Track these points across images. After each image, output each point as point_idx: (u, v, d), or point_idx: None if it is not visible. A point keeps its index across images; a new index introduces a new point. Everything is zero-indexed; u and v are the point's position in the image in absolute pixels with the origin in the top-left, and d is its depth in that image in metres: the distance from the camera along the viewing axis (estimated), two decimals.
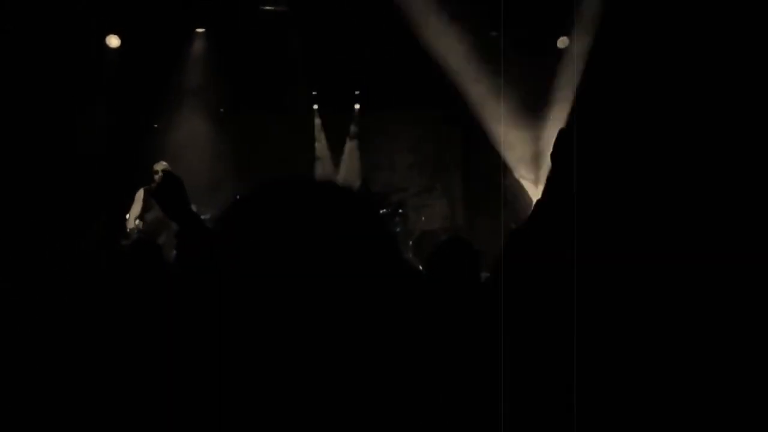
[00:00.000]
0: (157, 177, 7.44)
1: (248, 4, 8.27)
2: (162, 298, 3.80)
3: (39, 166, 7.85)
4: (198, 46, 8.79)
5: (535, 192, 8.50)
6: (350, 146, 9.57)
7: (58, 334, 3.60)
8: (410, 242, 8.49)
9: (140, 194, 7.54)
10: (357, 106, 9.59)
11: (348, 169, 9.51)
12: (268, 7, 8.32)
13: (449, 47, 8.77)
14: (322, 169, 9.43)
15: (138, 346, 3.60)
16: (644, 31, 7.68)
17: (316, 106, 9.59)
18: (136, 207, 7.51)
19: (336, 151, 9.48)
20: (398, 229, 8.48)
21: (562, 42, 8.64)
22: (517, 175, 8.81)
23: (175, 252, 4.17)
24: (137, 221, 7.49)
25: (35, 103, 7.82)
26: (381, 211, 8.62)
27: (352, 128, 9.61)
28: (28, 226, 7.21)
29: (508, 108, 8.81)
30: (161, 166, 7.52)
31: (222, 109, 9.09)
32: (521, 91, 8.78)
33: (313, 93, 9.38)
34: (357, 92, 9.35)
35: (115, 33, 8.27)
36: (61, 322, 3.67)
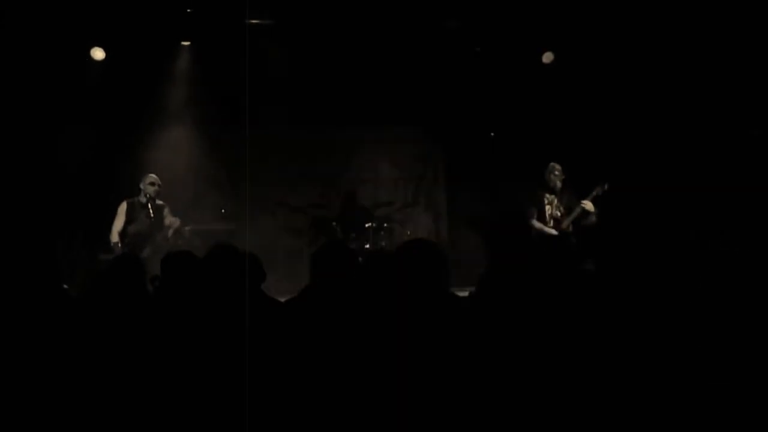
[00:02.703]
0: (149, 190, 7.41)
1: (234, 17, 8.26)
2: (143, 313, 3.77)
3: (21, 177, 7.81)
4: (183, 59, 8.77)
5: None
6: (335, 160, 9.56)
7: (37, 348, 3.57)
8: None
9: (123, 207, 7.49)
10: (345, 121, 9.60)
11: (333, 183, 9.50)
12: (253, 21, 8.32)
13: (433, 63, 8.85)
14: (305, 184, 9.42)
15: (120, 358, 3.57)
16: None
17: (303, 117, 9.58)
18: (120, 220, 7.46)
19: (318, 165, 9.46)
20: (383, 243, 8.47)
21: (547, 57, 8.69)
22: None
23: (160, 269, 4.14)
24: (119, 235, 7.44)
25: (18, 115, 7.79)
26: (366, 225, 8.62)
27: (335, 142, 9.59)
28: (8, 238, 7.16)
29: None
30: (152, 178, 7.49)
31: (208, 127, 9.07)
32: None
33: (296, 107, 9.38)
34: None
35: (99, 45, 8.25)
36: (41, 335, 3.63)
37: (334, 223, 8.75)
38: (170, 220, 7.46)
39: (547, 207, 7.46)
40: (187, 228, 7.64)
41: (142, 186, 7.47)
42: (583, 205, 7.25)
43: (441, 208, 9.75)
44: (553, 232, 7.30)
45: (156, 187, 7.44)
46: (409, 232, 9.02)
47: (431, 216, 9.70)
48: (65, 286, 4.27)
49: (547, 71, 8.68)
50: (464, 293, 3.72)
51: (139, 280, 4.06)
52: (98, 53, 8.25)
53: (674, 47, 7.38)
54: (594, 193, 7.25)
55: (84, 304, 3.99)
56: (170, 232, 7.40)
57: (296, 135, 9.31)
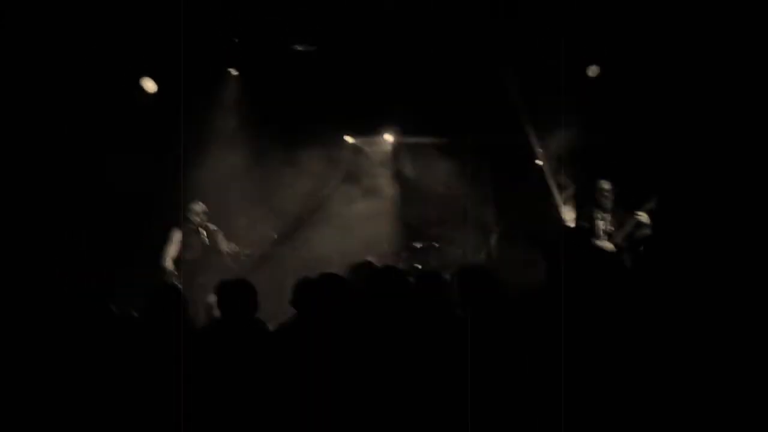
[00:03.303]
0: (195, 218, 7.52)
1: (279, 44, 8.40)
2: (184, 344, 3.83)
3: (76, 207, 7.97)
4: (232, 87, 8.93)
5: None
6: (384, 180, 9.60)
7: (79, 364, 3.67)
8: (447, 275, 8.44)
9: (177, 234, 7.61)
10: (389, 140, 9.66)
11: (383, 203, 9.53)
12: (298, 47, 8.45)
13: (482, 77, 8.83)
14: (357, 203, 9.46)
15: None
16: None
17: (351, 140, 9.68)
18: (173, 247, 7.57)
19: (370, 185, 9.50)
20: (433, 263, 8.46)
21: (593, 71, 8.62)
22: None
23: (215, 296, 4.21)
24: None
25: (73, 146, 7.97)
26: (416, 246, 8.63)
27: (386, 162, 9.65)
28: (65, 265, 7.31)
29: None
30: (199, 206, 7.60)
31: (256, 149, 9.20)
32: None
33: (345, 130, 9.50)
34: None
35: (149, 76, 8.42)
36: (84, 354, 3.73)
37: (385, 245, 8.77)
38: (226, 246, 7.56)
39: (600, 223, 7.38)
40: (245, 253, 7.73)
41: (189, 214, 7.59)
42: (638, 217, 7.17)
43: (490, 226, 9.69)
44: (611, 246, 7.22)
45: (201, 215, 7.53)
46: (460, 251, 8.99)
47: (480, 234, 9.64)
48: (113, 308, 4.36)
49: (593, 85, 8.61)
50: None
51: (177, 312, 4.12)
52: (149, 84, 8.42)
53: (725, 54, 7.27)
54: (648, 205, 7.17)
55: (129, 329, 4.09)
56: (227, 257, 7.49)
57: (343, 156, 9.39)
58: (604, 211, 7.41)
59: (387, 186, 9.56)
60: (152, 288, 4.30)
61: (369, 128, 9.46)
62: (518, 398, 3.26)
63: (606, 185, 7.42)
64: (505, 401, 3.26)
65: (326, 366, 3.51)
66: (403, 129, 9.47)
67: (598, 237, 7.35)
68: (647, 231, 7.17)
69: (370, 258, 6.09)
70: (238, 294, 4.12)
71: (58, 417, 3.56)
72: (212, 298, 4.32)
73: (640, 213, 7.18)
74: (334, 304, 3.82)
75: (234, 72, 8.92)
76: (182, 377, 3.54)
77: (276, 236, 8.74)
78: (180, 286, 6.77)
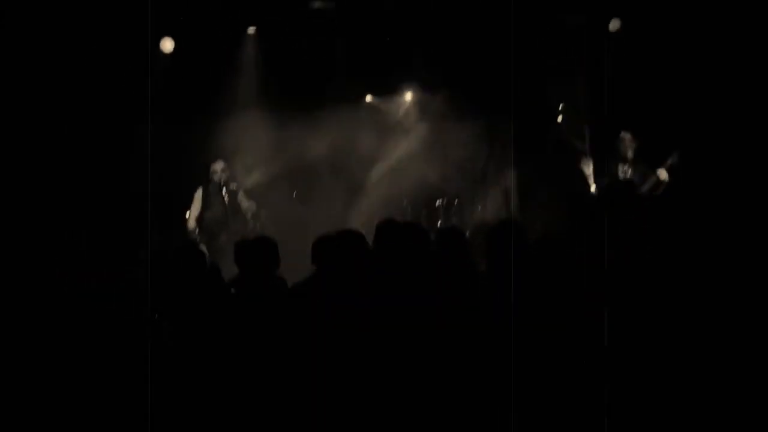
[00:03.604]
0: (216, 176, 7.56)
1: (297, 2, 8.35)
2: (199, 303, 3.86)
3: (95, 169, 8.01)
4: (250, 46, 8.89)
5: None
6: (403, 140, 9.56)
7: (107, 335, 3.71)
8: (467, 233, 8.46)
9: (199, 194, 7.66)
10: (408, 98, 9.60)
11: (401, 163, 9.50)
12: (317, 4, 8.38)
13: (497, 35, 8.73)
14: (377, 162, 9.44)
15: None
16: None
17: (368, 98, 9.63)
18: (196, 206, 7.63)
19: (389, 145, 9.48)
20: (454, 220, 8.47)
21: (614, 24, 8.49)
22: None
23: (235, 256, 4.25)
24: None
25: (90, 106, 7.99)
26: (437, 202, 8.63)
27: (404, 121, 9.61)
28: (87, 228, 7.39)
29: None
30: (219, 165, 7.63)
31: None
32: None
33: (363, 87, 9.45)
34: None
35: (168, 36, 8.38)
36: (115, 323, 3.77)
37: (404, 202, 8.78)
38: (246, 204, 7.60)
39: (621, 177, 7.34)
40: (263, 211, 7.77)
41: (211, 173, 7.62)
42: (658, 174, 7.13)
43: (510, 184, 9.65)
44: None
45: (220, 174, 7.57)
46: (479, 208, 8.98)
47: (500, 192, 9.60)
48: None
49: (615, 39, 8.49)
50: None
51: (199, 271, 4.15)
52: (167, 44, 8.39)
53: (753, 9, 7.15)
54: (669, 161, 7.13)
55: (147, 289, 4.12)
56: (248, 216, 7.54)
57: (362, 115, 9.36)
58: (624, 162, 7.37)
59: (406, 145, 9.52)
60: (175, 248, 4.33)
61: (388, 87, 9.39)
62: (545, 352, 3.26)
63: (628, 135, 7.38)
64: (531, 357, 3.25)
65: (343, 321, 3.52)
66: (422, 87, 9.39)
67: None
68: (665, 182, 7.14)
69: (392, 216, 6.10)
70: (258, 251, 4.15)
71: (65, 409, 3.59)
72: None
73: (660, 170, 7.14)
74: (352, 259, 3.83)
75: (251, 30, 8.86)
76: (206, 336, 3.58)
77: (295, 195, 8.77)
78: (203, 245, 6.86)
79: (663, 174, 7.13)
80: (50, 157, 7.55)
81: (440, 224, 8.42)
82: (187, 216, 7.62)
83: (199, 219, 7.58)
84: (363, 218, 9.23)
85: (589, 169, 7.72)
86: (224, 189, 7.53)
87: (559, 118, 9.10)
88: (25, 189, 7.28)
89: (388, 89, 9.44)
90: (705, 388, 3.12)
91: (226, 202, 7.51)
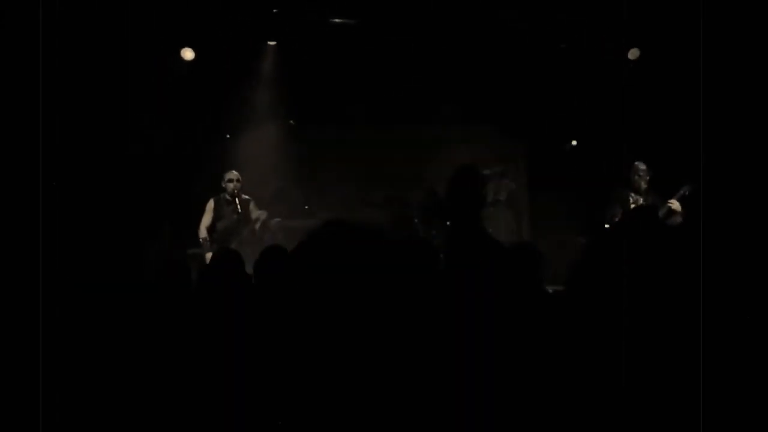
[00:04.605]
0: (229, 186, 7.60)
1: (318, 17, 8.40)
2: (243, 305, 3.88)
3: (110, 175, 8.07)
4: (269, 59, 8.96)
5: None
6: (416, 157, 9.58)
7: (131, 344, 3.70)
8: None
9: (211, 204, 7.70)
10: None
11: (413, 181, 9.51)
12: (337, 20, 8.44)
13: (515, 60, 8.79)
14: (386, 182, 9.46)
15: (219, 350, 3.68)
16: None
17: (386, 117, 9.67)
18: (207, 216, 7.67)
19: (399, 163, 9.51)
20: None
21: (633, 54, 8.53)
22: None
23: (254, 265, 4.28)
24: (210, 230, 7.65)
25: (109, 114, 8.05)
26: (447, 223, 8.63)
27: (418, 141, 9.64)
28: (99, 234, 7.42)
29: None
30: (233, 175, 7.68)
31: (292, 121, 9.26)
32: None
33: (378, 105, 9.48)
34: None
35: (189, 46, 8.46)
36: (134, 331, 3.77)
37: (415, 221, 8.78)
38: (257, 213, 7.65)
39: (633, 207, 7.33)
40: (273, 221, 7.82)
41: (223, 183, 7.67)
42: (669, 205, 7.10)
43: (523, 206, 9.66)
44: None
45: (235, 183, 7.61)
46: (490, 230, 8.97)
47: (513, 214, 9.61)
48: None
49: (633, 68, 8.52)
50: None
51: (242, 274, 4.21)
52: (188, 53, 8.47)
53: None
54: (681, 192, 7.10)
55: (183, 296, 4.14)
56: (258, 225, 7.58)
57: (378, 134, 9.39)
58: (637, 193, 7.36)
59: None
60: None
61: (407, 107, 9.40)
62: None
63: (641, 166, 7.37)
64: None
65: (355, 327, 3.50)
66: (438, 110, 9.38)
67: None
68: (679, 220, 7.10)
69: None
70: (269, 260, 4.17)
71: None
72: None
73: (671, 201, 7.11)
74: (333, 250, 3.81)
75: (272, 43, 8.93)
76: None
77: (306, 208, 8.81)
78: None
79: (675, 204, 7.10)
80: (61, 164, 7.60)
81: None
82: (199, 225, 7.66)
83: (211, 228, 7.62)
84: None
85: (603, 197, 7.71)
86: (236, 199, 7.57)
87: (574, 142, 9.14)
88: (32, 199, 7.33)
89: (405, 107, 9.45)
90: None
91: (239, 212, 7.55)
